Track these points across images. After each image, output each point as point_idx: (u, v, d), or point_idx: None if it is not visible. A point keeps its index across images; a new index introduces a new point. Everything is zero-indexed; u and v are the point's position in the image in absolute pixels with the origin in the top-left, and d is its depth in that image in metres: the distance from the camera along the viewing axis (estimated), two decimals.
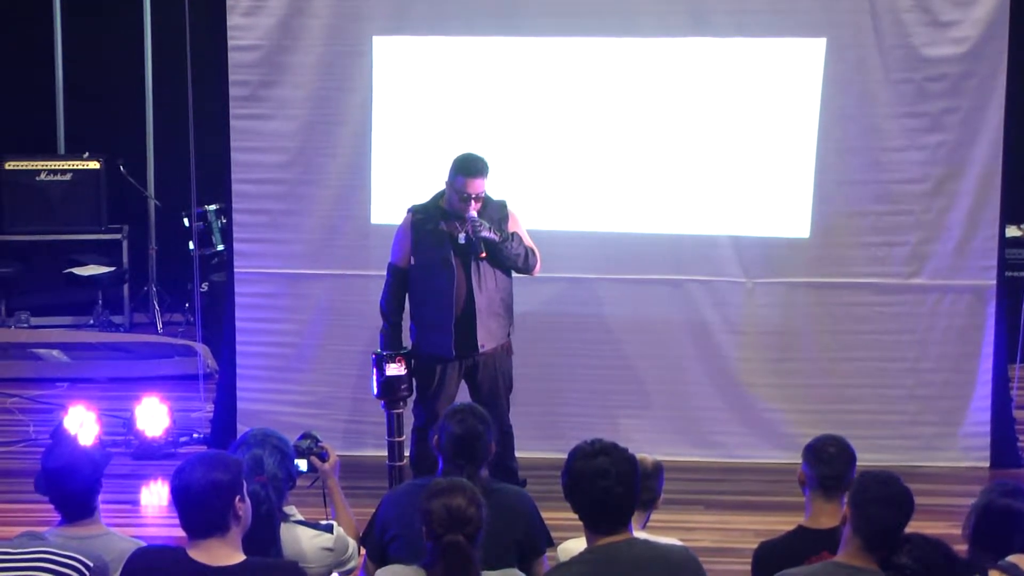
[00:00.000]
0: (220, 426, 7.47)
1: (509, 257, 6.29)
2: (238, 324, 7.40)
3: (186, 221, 9.35)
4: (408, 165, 7.21)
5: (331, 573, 4.35)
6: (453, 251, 6.26)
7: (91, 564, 3.86)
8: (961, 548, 3.99)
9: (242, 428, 6.96)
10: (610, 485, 3.66)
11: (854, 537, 3.76)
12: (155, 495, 7.01)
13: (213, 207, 9.35)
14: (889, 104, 7.08)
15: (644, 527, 4.57)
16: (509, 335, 6.44)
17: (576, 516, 3.78)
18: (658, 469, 4.61)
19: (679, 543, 4.21)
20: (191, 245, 8.68)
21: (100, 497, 4.23)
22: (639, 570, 3.65)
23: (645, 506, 4.50)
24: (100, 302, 9.88)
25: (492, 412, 4.69)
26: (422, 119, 7.24)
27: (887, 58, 7.04)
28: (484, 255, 6.21)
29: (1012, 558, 3.88)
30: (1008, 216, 7.40)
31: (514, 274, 6.43)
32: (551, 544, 4.48)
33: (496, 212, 6.34)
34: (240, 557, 3.65)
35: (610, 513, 3.70)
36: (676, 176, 7.22)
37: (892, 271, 7.24)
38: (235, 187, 7.33)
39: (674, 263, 7.30)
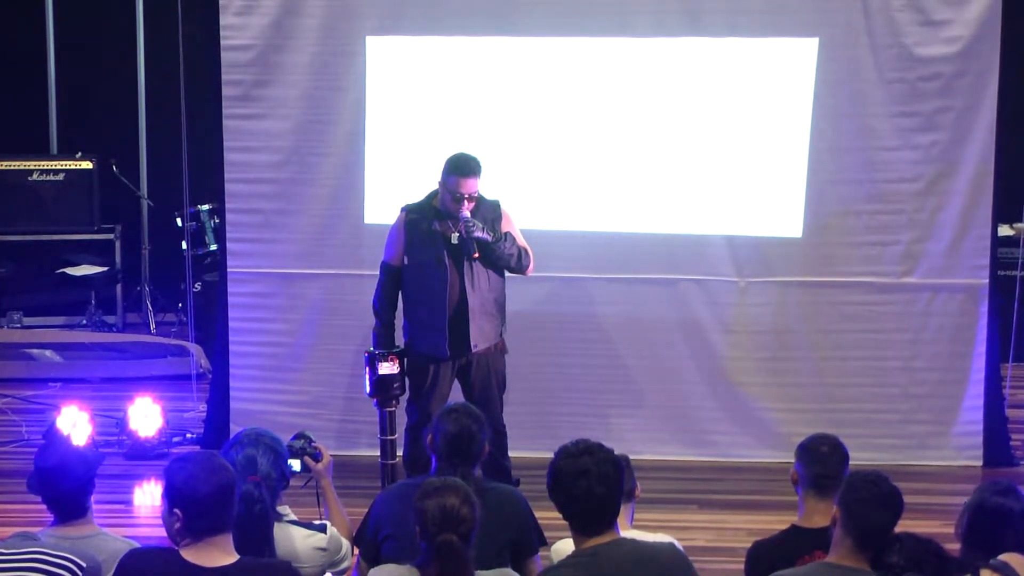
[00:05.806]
0: (213, 426, 7.47)
1: (502, 257, 6.29)
2: (231, 324, 7.40)
3: (179, 221, 9.35)
4: (401, 165, 7.21)
5: (324, 573, 4.34)
6: (446, 251, 6.25)
7: (84, 564, 3.86)
8: (954, 547, 4.00)
9: (235, 428, 6.95)
10: (591, 485, 3.65)
11: (845, 537, 3.76)
12: (148, 495, 7.00)
13: (206, 207, 9.36)
14: (882, 103, 7.08)
15: (632, 523, 4.57)
16: (502, 335, 6.44)
17: None
18: (624, 460, 4.57)
19: (668, 539, 4.21)
20: (184, 245, 8.68)
21: (93, 497, 4.23)
22: (628, 571, 3.64)
23: (627, 497, 4.47)
24: (93, 302, 9.86)
25: (485, 411, 4.69)
26: (415, 119, 7.23)
27: (880, 57, 7.04)
28: (477, 255, 6.21)
29: (1004, 557, 3.89)
30: (1000, 215, 7.39)
31: (507, 273, 6.43)
32: (544, 543, 4.48)
33: (489, 212, 6.33)
34: (233, 557, 3.64)
35: (593, 513, 3.68)
36: (669, 175, 7.22)
37: (885, 270, 7.24)
38: (228, 187, 7.32)
39: (667, 262, 7.30)
